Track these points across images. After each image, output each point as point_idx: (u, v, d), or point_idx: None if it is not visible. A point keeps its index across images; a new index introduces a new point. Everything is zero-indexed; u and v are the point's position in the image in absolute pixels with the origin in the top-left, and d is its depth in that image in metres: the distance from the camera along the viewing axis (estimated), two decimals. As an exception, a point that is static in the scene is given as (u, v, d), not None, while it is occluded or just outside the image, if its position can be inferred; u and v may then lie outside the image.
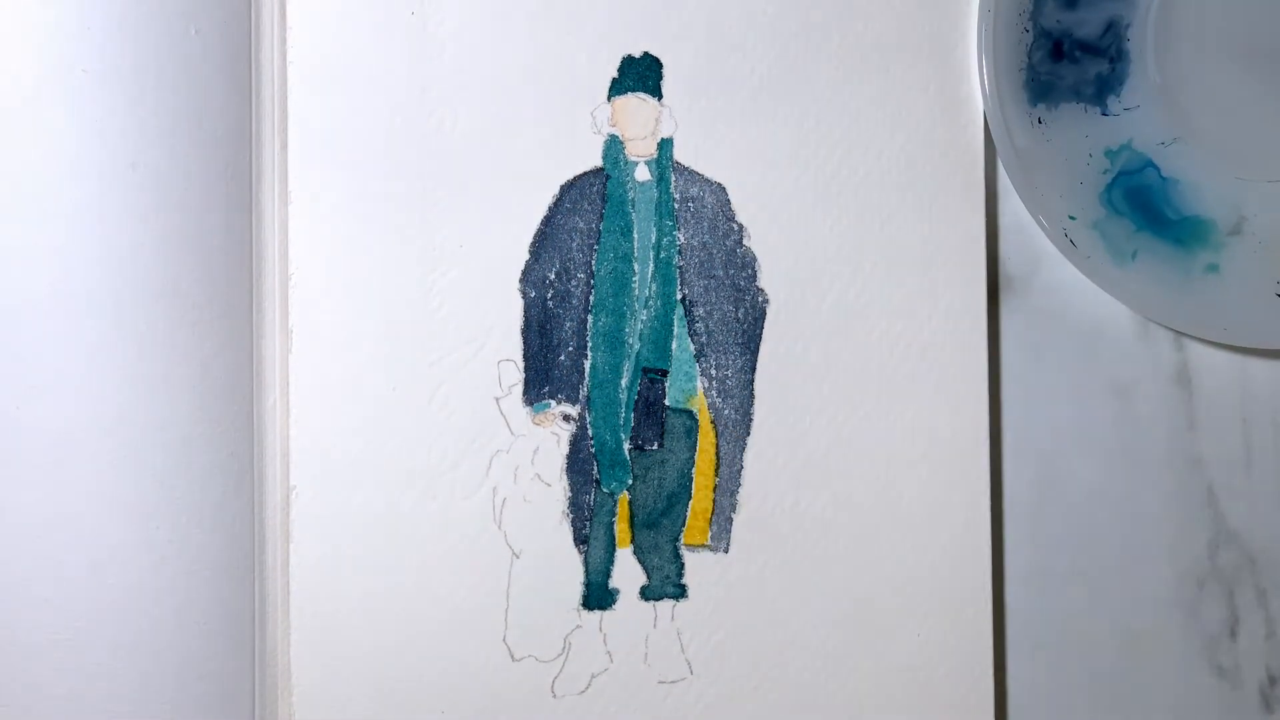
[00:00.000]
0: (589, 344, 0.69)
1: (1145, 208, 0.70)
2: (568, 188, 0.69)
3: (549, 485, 0.69)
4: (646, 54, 0.69)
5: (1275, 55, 0.71)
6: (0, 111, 0.66)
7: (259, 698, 0.68)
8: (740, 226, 0.70)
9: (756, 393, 0.70)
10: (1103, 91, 0.71)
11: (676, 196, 0.69)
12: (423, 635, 0.68)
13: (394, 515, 0.68)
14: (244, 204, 0.68)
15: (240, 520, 0.68)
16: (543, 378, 0.69)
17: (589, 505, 0.69)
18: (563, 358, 0.69)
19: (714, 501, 0.70)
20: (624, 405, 0.69)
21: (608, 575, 0.69)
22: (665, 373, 0.70)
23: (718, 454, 0.70)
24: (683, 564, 0.70)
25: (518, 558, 0.69)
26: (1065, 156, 0.70)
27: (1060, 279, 0.72)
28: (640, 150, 0.69)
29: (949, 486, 0.70)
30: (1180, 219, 0.70)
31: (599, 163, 0.69)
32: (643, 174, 0.69)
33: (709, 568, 0.70)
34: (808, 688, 0.70)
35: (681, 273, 0.70)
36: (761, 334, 0.70)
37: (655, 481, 0.70)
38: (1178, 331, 0.71)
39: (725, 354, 0.70)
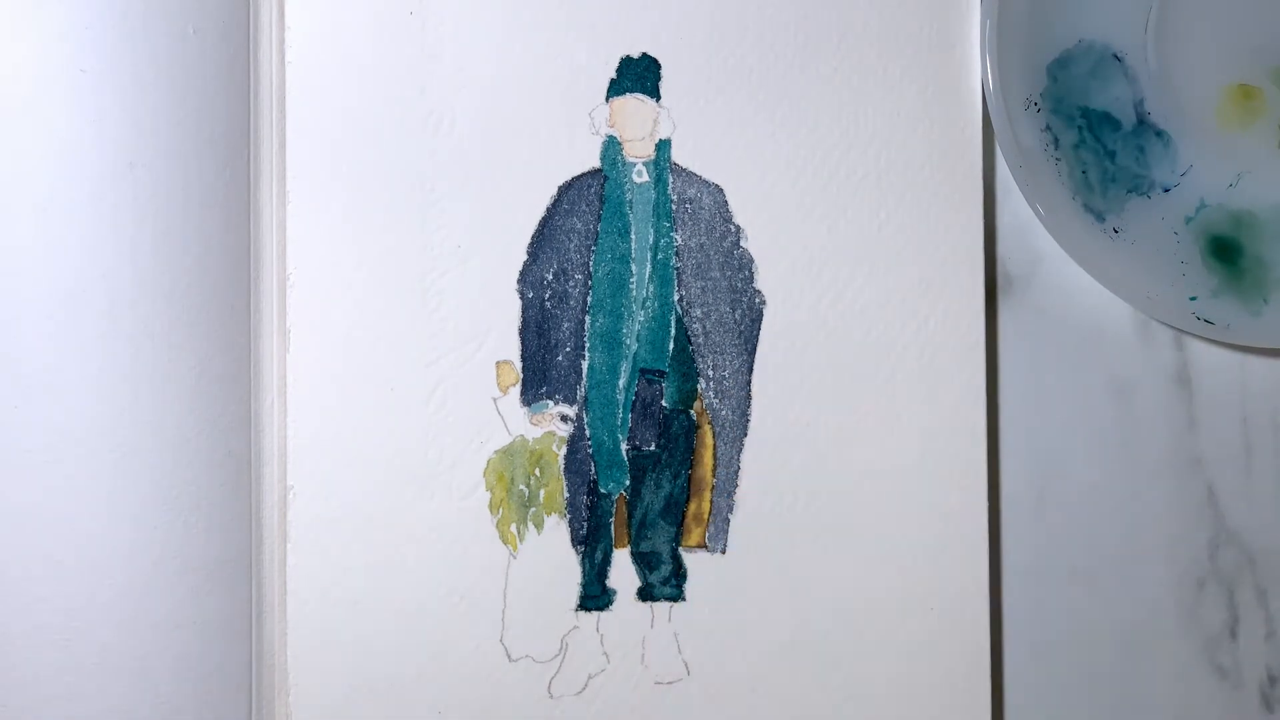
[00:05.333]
0: (586, 344, 0.69)
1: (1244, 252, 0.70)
2: (565, 188, 0.69)
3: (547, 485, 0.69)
4: (645, 55, 0.69)
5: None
6: (0, 111, 0.66)
7: (256, 697, 0.68)
8: (738, 228, 0.70)
9: (754, 393, 0.70)
10: (1154, 170, 0.70)
11: (674, 198, 0.69)
12: (420, 635, 0.68)
13: (391, 515, 0.68)
14: (242, 204, 0.68)
15: (237, 520, 0.68)
16: (540, 378, 0.69)
17: (586, 506, 0.69)
18: (560, 358, 0.69)
19: (711, 502, 0.70)
20: (621, 406, 0.69)
21: (605, 576, 0.69)
22: (663, 373, 0.70)
23: (715, 455, 0.70)
24: (680, 565, 0.70)
25: (515, 558, 0.69)
26: (1156, 248, 0.69)
27: (1060, 279, 0.71)
28: (638, 151, 0.69)
29: (948, 486, 0.70)
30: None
31: (597, 164, 0.69)
32: (640, 175, 0.69)
33: (706, 569, 0.70)
34: (805, 688, 0.70)
35: (679, 274, 0.70)
36: (759, 335, 0.70)
37: (652, 482, 0.70)
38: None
39: (723, 355, 0.70)
